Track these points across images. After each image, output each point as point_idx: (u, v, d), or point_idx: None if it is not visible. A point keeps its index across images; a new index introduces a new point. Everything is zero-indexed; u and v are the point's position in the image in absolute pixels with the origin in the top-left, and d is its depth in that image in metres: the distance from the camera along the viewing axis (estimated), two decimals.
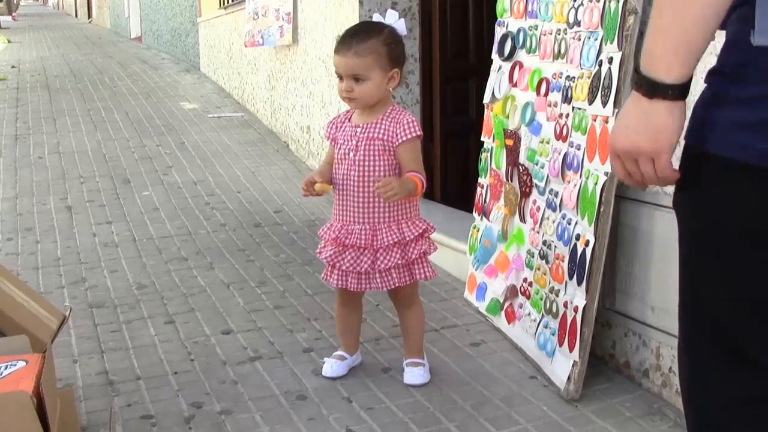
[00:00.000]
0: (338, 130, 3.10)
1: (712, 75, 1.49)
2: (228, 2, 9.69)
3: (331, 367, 3.23)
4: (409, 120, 2.99)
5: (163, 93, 10.08)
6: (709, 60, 1.51)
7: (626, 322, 3.12)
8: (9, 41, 18.60)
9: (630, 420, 2.87)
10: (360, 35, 2.97)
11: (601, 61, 2.93)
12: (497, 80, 3.73)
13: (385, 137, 2.98)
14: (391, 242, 2.99)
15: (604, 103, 2.88)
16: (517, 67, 3.58)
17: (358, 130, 3.03)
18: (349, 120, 3.09)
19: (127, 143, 7.61)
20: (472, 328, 3.68)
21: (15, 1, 33.17)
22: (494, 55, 3.80)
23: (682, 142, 1.51)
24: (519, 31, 3.58)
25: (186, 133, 8.00)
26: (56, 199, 5.98)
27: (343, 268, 3.06)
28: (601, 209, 2.87)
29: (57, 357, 3.11)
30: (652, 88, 1.45)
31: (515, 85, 3.59)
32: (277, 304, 4.01)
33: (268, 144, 7.52)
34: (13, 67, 12.89)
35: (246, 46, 8.13)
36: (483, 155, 3.86)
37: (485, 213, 3.80)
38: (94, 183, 6.37)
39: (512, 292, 3.48)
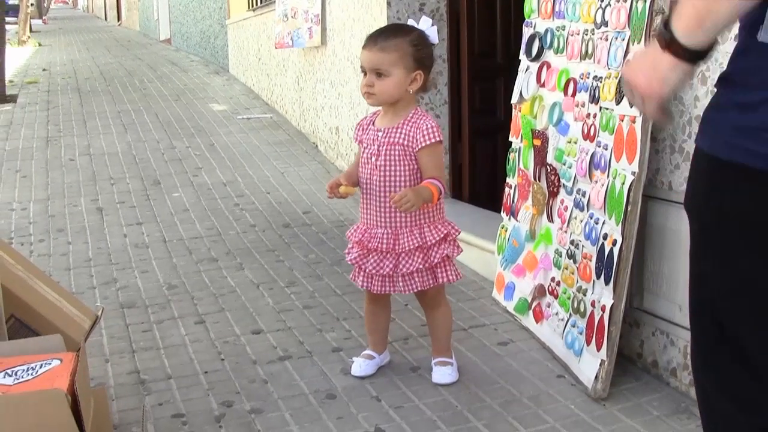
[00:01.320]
0: (364, 132, 3.12)
1: (719, 81, 1.53)
2: (257, 4, 9.75)
3: (360, 366, 3.25)
4: (430, 125, 2.99)
5: (193, 95, 10.16)
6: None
7: (654, 321, 3.12)
8: (40, 44, 18.81)
9: (658, 419, 2.87)
10: (388, 32, 3.01)
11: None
12: (525, 80, 3.74)
13: (405, 142, 2.99)
14: (413, 247, 3.01)
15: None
16: (545, 68, 3.59)
17: (380, 134, 3.04)
18: (374, 123, 3.11)
19: (157, 145, 7.68)
20: (500, 327, 3.69)
21: (45, 5, 33.44)
22: (522, 56, 3.81)
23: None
24: (547, 31, 3.58)
25: (215, 134, 8.06)
26: (87, 201, 6.05)
27: (367, 270, 3.09)
28: (629, 209, 2.88)
29: (89, 356, 3.14)
30: (668, 41, 1.50)
31: (543, 86, 3.59)
32: (307, 304, 4.04)
33: (296, 145, 7.56)
34: (44, 70, 13.04)
35: (276, 48, 8.18)
36: (511, 155, 3.87)
37: (513, 213, 3.81)
38: (125, 184, 6.44)
39: (540, 291, 3.49)
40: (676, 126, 2.95)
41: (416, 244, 3.00)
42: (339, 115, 6.66)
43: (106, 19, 31.76)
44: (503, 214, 3.93)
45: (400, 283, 3.07)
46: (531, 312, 3.55)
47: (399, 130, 3.00)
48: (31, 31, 21.63)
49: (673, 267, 3.00)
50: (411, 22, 3.07)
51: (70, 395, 2.07)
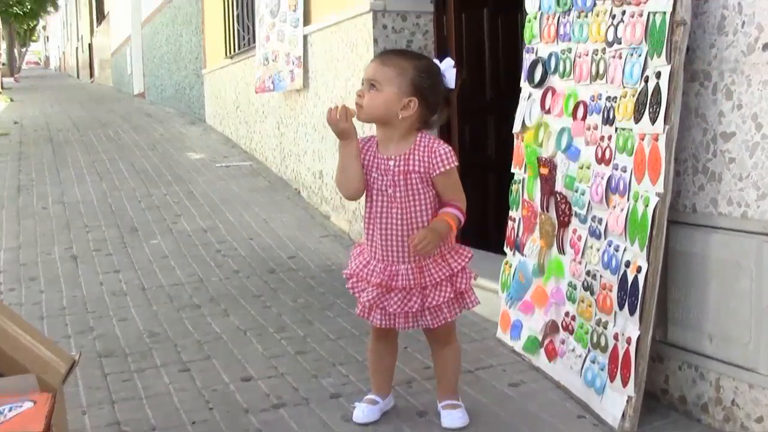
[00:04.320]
0: (367, 154, 2.86)
1: None
2: (234, 51, 9.57)
3: (363, 412, 3.00)
4: (445, 150, 2.77)
5: (169, 144, 9.94)
6: None
7: (680, 354, 2.90)
8: (11, 100, 18.54)
9: None
10: (398, 51, 2.89)
11: (647, 76, 2.75)
12: (527, 108, 3.55)
13: (422, 169, 2.77)
14: (442, 278, 2.79)
15: (653, 120, 2.70)
16: (550, 93, 3.40)
17: (392, 163, 2.80)
18: (378, 150, 2.87)
19: (133, 193, 7.43)
20: (509, 368, 3.46)
21: (17, 63, 33.28)
22: (523, 83, 3.63)
23: None
24: (550, 55, 3.41)
25: (194, 182, 7.83)
26: (61, 249, 5.78)
27: (390, 310, 2.84)
28: (654, 232, 2.67)
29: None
30: None
31: (548, 112, 3.41)
32: (299, 350, 3.79)
33: (278, 191, 7.34)
34: (15, 122, 12.77)
35: (256, 92, 7.98)
36: (514, 187, 3.66)
37: (518, 247, 3.59)
38: (100, 232, 6.18)
39: (552, 327, 3.26)
40: (698, 144, 2.75)
41: (446, 274, 2.79)
42: (323, 159, 6.46)
43: (78, 77, 31.64)
44: (507, 249, 3.72)
45: (428, 317, 2.83)
46: (543, 350, 3.32)
47: (412, 156, 2.77)
48: (2, 87, 21.42)
49: (700, 295, 2.78)
50: (436, 60, 2.87)
51: None
